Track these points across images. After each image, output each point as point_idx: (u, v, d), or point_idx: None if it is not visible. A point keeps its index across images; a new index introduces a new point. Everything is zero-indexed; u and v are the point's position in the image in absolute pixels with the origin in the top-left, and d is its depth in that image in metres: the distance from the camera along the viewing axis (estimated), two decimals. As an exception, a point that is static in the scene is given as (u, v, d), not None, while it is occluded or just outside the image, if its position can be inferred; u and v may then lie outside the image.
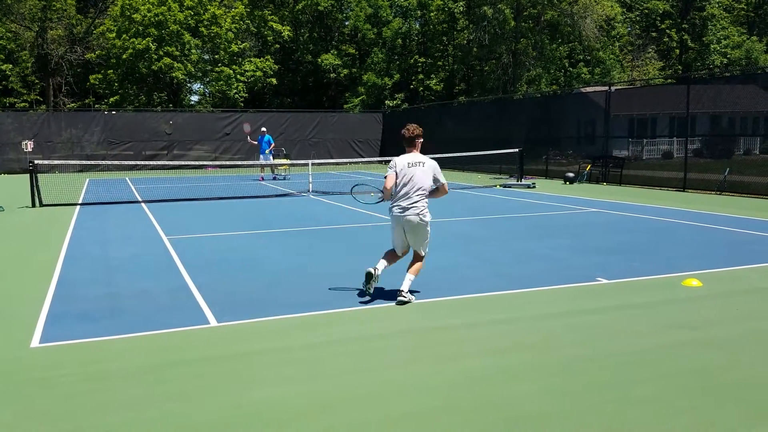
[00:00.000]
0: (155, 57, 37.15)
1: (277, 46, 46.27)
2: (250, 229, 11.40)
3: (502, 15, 39.86)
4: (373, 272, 6.22)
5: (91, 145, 30.86)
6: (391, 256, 6.48)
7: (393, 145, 34.72)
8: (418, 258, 6.40)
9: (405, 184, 6.26)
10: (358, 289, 6.74)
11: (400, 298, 6.13)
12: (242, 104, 41.23)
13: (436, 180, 6.39)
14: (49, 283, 7.20)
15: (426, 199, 6.34)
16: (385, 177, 6.37)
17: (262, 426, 3.70)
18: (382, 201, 6.75)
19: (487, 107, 31.32)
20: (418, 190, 6.24)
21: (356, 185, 8.02)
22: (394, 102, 42.14)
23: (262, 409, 3.91)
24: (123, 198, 17.04)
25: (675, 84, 26.73)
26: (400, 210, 6.26)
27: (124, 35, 37.25)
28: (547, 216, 12.75)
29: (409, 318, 5.77)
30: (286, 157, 27.57)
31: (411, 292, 6.26)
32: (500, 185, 20.09)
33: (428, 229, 6.42)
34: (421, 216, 6.24)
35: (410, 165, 6.30)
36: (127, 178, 25.79)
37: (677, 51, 53.05)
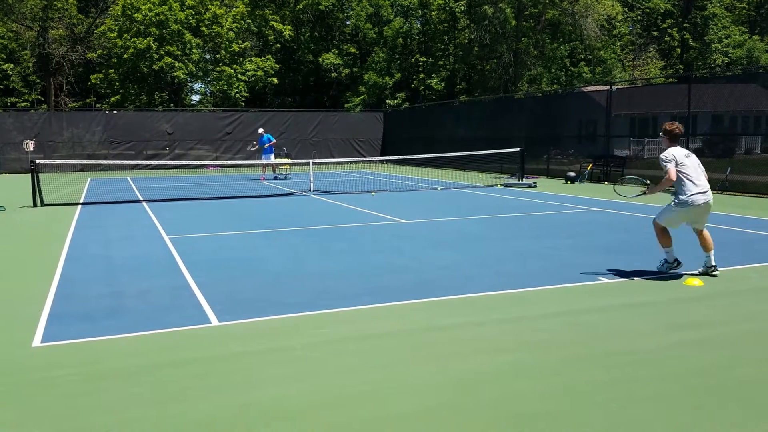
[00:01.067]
0: (156, 56, 37.18)
1: (278, 45, 46.30)
2: (252, 228, 11.41)
3: (503, 14, 39.86)
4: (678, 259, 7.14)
5: (92, 144, 30.89)
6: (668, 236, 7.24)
7: (394, 145, 34.74)
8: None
9: (697, 174, 7.01)
10: (359, 289, 6.74)
11: (716, 273, 7.02)
12: (243, 104, 41.26)
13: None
14: (50, 283, 7.20)
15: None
16: (667, 170, 7.01)
17: (265, 424, 3.70)
18: (644, 194, 7.65)
19: (488, 106, 31.31)
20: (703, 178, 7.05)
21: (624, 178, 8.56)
22: (395, 101, 42.15)
23: (264, 408, 3.91)
24: (124, 197, 17.05)
25: (676, 83, 26.70)
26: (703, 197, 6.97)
27: (125, 35, 37.29)
28: (548, 215, 12.74)
29: (411, 317, 5.76)
30: (288, 156, 27.58)
31: None
32: (501, 184, 20.09)
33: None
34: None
35: (687, 156, 7.05)
36: (128, 178, 25.80)
37: (678, 50, 53.01)
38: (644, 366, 4.52)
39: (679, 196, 7.00)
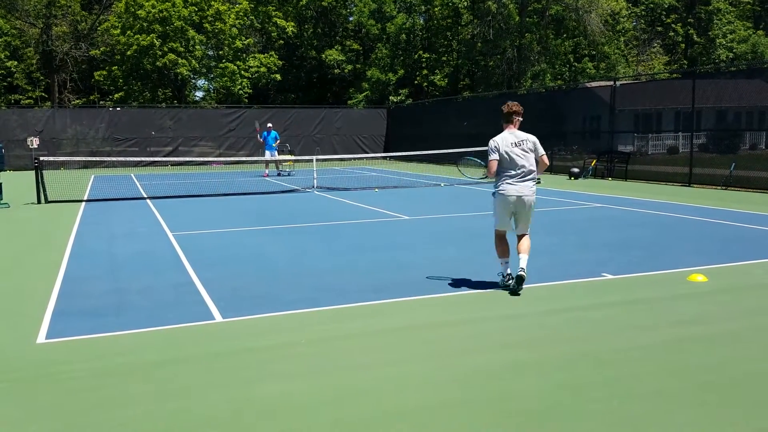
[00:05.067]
0: (160, 53, 37.18)
1: (282, 42, 46.25)
2: (255, 225, 11.42)
3: (507, 10, 39.73)
4: (524, 275, 6.26)
5: (96, 141, 30.95)
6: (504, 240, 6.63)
7: (397, 141, 34.71)
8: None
9: (512, 164, 6.34)
10: (362, 285, 6.74)
11: (521, 274, 6.22)
12: (246, 100, 41.24)
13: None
14: (54, 280, 7.22)
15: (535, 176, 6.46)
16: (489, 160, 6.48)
17: (270, 420, 3.70)
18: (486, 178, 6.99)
19: (491, 103, 31.24)
20: (525, 167, 6.34)
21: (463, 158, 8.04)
22: (399, 98, 42.07)
23: (269, 404, 3.92)
24: (128, 194, 17.07)
25: (680, 78, 26.63)
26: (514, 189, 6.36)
27: (128, 31, 37.29)
28: (552, 211, 12.72)
29: (414, 314, 5.76)
30: (291, 153, 27.58)
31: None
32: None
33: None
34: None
35: (514, 144, 6.38)
36: (132, 175, 25.83)
37: (683, 45, 52.81)
38: (649, 362, 4.52)
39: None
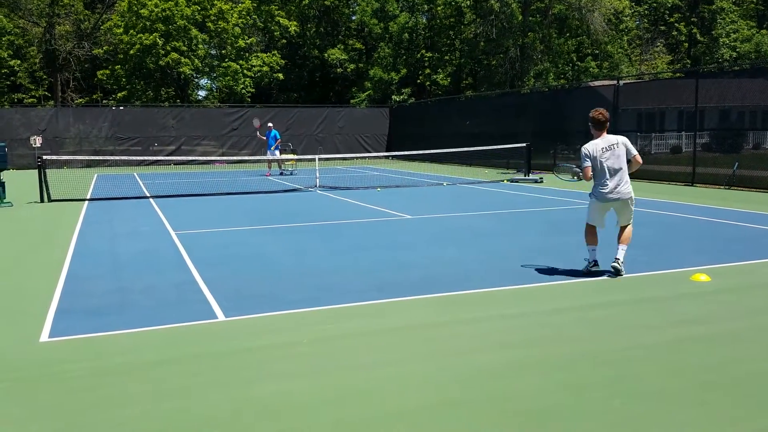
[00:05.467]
0: (162, 52, 37.22)
1: (284, 41, 46.27)
2: (258, 224, 11.42)
3: (510, 9, 39.69)
4: (618, 267, 6.85)
5: (99, 140, 30.99)
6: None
7: (400, 140, 34.70)
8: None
9: (604, 169, 6.77)
10: (364, 284, 6.74)
11: (615, 264, 6.81)
12: (249, 99, 41.26)
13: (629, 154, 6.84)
14: (57, 278, 7.24)
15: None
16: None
17: (272, 419, 3.70)
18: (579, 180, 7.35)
19: (494, 102, 31.22)
20: (617, 170, 6.76)
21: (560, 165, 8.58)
22: (401, 97, 42.06)
23: (272, 403, 3.92)
24: (131, 193, 17.09)
25: (684, 78, 26.56)
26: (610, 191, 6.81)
27: (131, 30, 37.33)
28: (554, 211, 12.71)
29: (417, 313, 5.76)
30: (293, 152, 27.59)
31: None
32: (508, 180, 20.05)
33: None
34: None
35: (604, 150, 6.78)
36: (135, 174, 25.86)
37: (686, 45, 52.71)
38: (651, 361, 4.51)
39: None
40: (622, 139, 6.82)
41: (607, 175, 6.76)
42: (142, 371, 4.48)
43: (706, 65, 43.50)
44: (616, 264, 6.81)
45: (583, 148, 6.89)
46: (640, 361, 4.52)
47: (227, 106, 35.81)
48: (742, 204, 13.24)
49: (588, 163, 6.83)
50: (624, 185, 6.79)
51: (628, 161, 6.83)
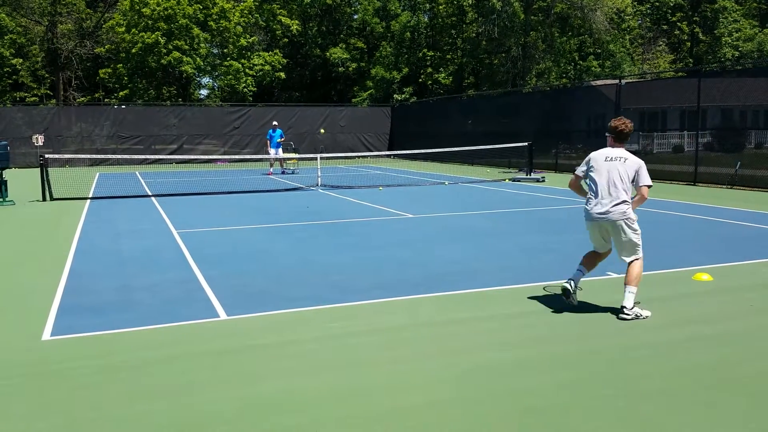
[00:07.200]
0: (164, 51, 37.21)
1: (286, 40, 46.27)
2: (260, 223, 11.43)
3: (512, 7, 39.66)
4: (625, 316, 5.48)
5: (101, 139, 31.00)
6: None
7: (401, 139, 34.68)
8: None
9: (600, 182, 5.62)
10: (366, 283, 6.74)
11: (622, 316, 5.47)
12: (251, 98, 41.27)
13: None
14: (60, 277, 7.25)
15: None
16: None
17: (276, 416, 3.71)
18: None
19: (496, 101, 31.20)
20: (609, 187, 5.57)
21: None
22: (403, 96, 42.04)
23: (276, 400, 3.93)
24: (133, 192, 17.10)
25: (686, 77, 26.52)
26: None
27: (133, 29, 37.32)
28: (556, 210, 12.71)
29: (419, 312, 5.76)
30: (295, 151, 27.59)
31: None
32: (510, 179, 20.04)
33: (635, 229, 5.63)
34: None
35: (608, 159, 5.65)
36: (136, 172, 25.88)
37: (688, 44, 52.63)
38: (654, 361, 4.51)
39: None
40: (636, 161, 5.58)
41: (596, 189, 5.61)
42: (144, 369, 4.48)
43: (709, 64, 43.43)
44: (622, 314, 5.48)
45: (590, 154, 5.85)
46: (643, 360, 4.51)
47: (229, 105, 35.80)
48: (744, 203, 13.22)
49: (582, 169, 5.81)
50: (613, 206, 5.51)
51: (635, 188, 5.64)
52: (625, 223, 5.56)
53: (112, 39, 40.97)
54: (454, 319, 5.53)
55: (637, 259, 5.66)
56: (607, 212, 5.56)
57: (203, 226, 11.07)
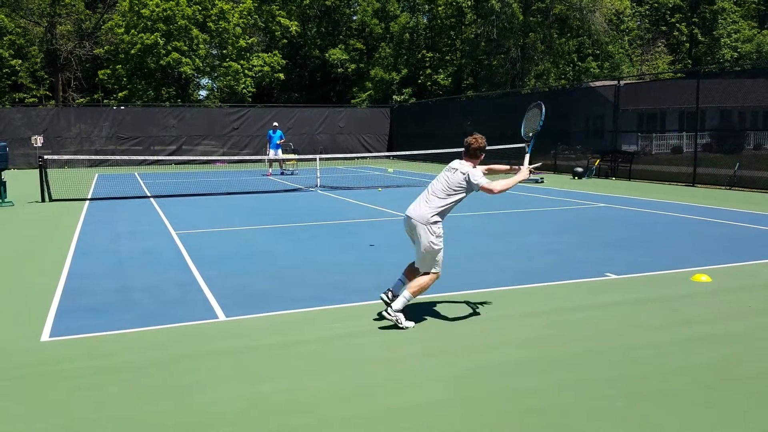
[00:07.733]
0: (163, 52, 37.22)
1: (285, 41, 46.28)
2: (259, 224, 11.42)
3: (511, 9, 39.70)
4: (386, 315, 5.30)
5: (100, 140, 30.99)
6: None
7: (401, 140, 34.68)
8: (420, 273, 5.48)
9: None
10: (366, 284, 6.74)
11: (384, 313, 5.30)
12: (250, 99, 41.28)
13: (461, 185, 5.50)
14: (58, 278, 7.24)
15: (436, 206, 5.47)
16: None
17: (279, 416, 3.70)
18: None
19: (495, 102, 31.22)
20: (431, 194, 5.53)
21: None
22: (402, 97, 42.06)
23: (277, 400, 3.93)
24: (132, 193, 17.09)
25: (685, 78, 26.56)
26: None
27: (132, 30, 37.33)
28: (555, 211, 12.71)
29: (419, 312, 5.76)
30: (294, 152, 27.59)
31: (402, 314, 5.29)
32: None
33: (433, 240, 5.41)
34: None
35: (445, 169, 5.67)
36: (135, 173, 25.86)
37: (687, 45, 52.68)
38: (654, 361, 4.51)
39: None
40: (465, 171, 5.52)
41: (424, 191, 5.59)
42: (145, 369, 4.47)
43: (707, 66, 43.48)
44: (386, 312, 5.26)
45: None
46: (643, 361, 4.51)
47: (228, 106, 35.80)
48: (743, 204, 13.24)
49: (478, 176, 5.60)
50: (420, 208, 5.45)
51: (466, 192, 5.54)
52: (428, 230, 5.39)
53: (111, 40, 40.97)
54: (455, 320, 5.53)
55: (429, 274, 5.43)
56: (412, 212, 5.49)
57: (202, 227, 11.07)
